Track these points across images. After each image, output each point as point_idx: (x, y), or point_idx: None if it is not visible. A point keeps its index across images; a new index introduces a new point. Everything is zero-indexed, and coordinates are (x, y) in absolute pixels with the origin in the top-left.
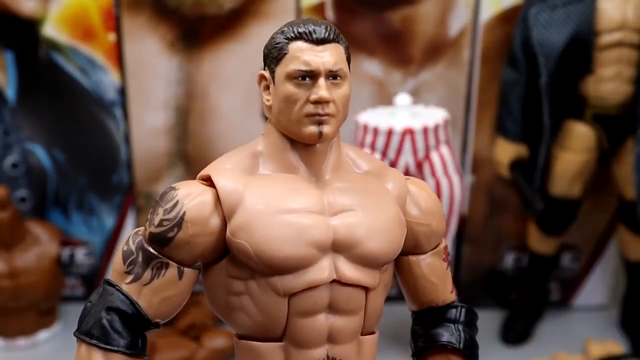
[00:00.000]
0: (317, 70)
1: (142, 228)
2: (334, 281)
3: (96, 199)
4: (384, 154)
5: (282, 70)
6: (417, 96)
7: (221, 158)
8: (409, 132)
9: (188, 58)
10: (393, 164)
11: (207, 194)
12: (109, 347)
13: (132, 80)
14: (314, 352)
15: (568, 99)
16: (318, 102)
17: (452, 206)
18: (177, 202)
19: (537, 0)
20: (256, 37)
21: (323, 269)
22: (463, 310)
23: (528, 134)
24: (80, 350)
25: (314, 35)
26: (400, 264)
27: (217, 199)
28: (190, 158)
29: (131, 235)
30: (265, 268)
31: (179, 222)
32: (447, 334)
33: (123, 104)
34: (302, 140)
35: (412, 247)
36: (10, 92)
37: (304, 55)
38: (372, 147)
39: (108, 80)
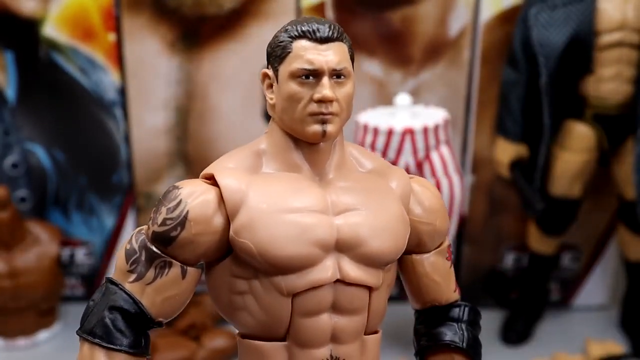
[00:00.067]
0: (321, 69)
1: (145, 227)
2: (337, 281)
3: (96, 199)
4: (384, 154)
5: (285, 68)
6: (417, 96)
7: (224, 156)
8: (409, 132)
9: (188, 58)
10: (393, 164)
11: (210, 193)
12: (111, 346)
13: (132, 80)
14: (318, 352)
15: (568, 99)
16: (322, 101)
17: (452, 206)
18: (180, 201)
19: (537, 0)
20: (256, 37)
21: (327, 269)
22: (466, 309)
23: (528, 134)
24: (82, 350)
25: (318, 34)
26: (404, 263)
27: (221, 197)
28: (190, 158)
29: (134, 233)
30: (268, 267)
31: (182, 221)
32: (450, 333)
33: (123, 104)
34: (306, 139)
35: (415, 245)
36: (10, 92)
37: (308, 54)
38: (372, 147)
39: (108, 80)
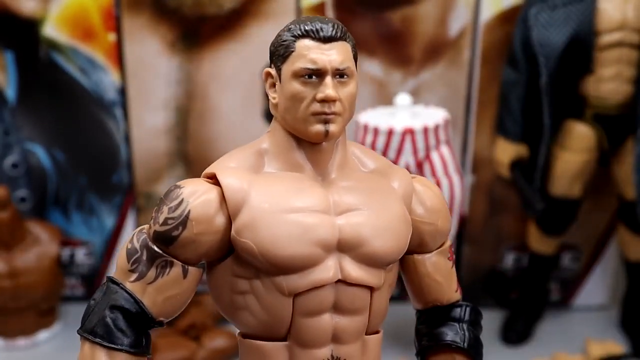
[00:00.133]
0: (324, 68)
1: (146, 226)
2: (339, 281)
3: (96, 199)
4: (384, 154)
5: (288, 68)
6: (417, 96)
7: (226, 156)
8: (409, 132)
9: (188, 58)
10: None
11: (212, 192)
12: (112, 345)
13: (132, 80)
14: (319, 352)
15: (568, 99)
16: (324, 100)
17: (452, 206)
18: (182, 201)
19: (537, 0)
20: (256, 37)
21: (328, 269)
22: (467, 309)
23: (528, 134)
24: (83, 349)
25: (321, 33)
26: (406, 263)
27: (222, 197)
28: (190, 158)
29: (135, 233)
30: (270, 267)
31: (184, 221)
32: (452, 333)
33: (123, 104)
34: (308, 139)
35: (417, 246)
36: (10, 92)
37: (311, 53)
38: (373, 147)
39: (108, 80)
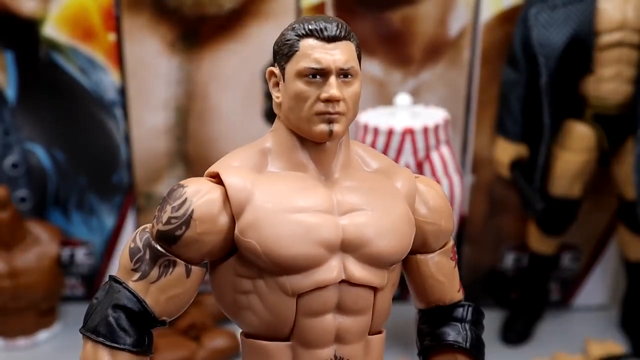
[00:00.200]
0: (328, 68)
1: (149, 225)
2: (342, 281)
3: (96, 199)
4: (384, 154)
5: (292, 67)
6: (417, 96)
7: (229, 155)
8: (409, 132)
9: (188, 58)
10: None
11: (215, 192)
12: (115, 345)
13: (132, 80)
14: (322, 352)
15: (568, 99)
16: (329, 100)
17: (452, 206)
18: (185, 200)
19: (537, 0)
20: (256, 37)
21: (332, 269)
22: (470, 309)
23: (528, 134)
24: (86, 348)
25: (325, 33)
26: (408, 263)
27: (226, 196)
28: (190, 158)
29: (138, 232)
30: (273, 267)
31: (187, 220)
32: (454, 333)
33: (123, 104)
34: (312, 139)
35: (420, 246)
36: (10, 92)
37: (315, 52)
38: (373, 147)
39: (108, 80)
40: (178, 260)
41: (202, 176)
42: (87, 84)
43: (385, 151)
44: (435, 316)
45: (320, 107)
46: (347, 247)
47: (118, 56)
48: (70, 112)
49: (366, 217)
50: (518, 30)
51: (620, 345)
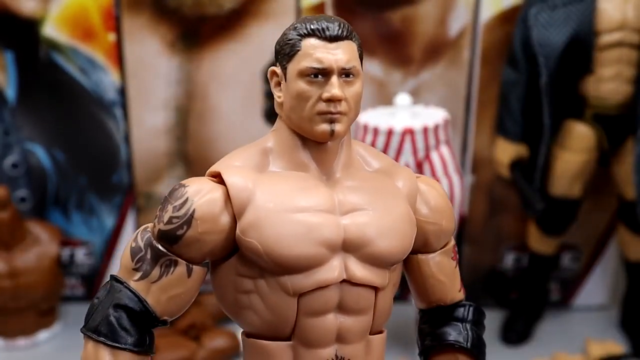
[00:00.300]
0: (330, 68)
1: (150, 225)
2: (343, 281)
3: (96, 199)
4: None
5: (294, 67)
6: (417, 96)
7: (230, 154)
8: (409, 132)
9: (188, 58)
10: None
11: (217, 191)
12: (116, 344)
13: (132, 80)
14: (323, 352)
15: (568, 99)
16: (330, 100)
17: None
18: (186, 200)
19: (537, 0)
20: (256, 37)
21: (333, 269)
22: (471, 309)
23: (528, 134)
24: (87, 348)
25: (327, 32)
26: (409, 263)
27: (227, 196)
28: (190, 158)
29: (139, 231)
30: (275, 267)
31: (189, 220)
32: (455, 333)
33: (123, 104)
34: (314, 138)
35: (421, 245)
36: (10, 92)
37: (317, 52)
38: (372, 147)
39: (108, 80)
40: (179, 259)
41: (203, 176)
42: (87, 84)
43: (385, 151)
44: (436, 316)
45: (322, 106)
46: (349, 246)
47: (118, 56)
48: (70, 112)
49: (367, 216)
50: (518, 30)
51: (620, 345)
